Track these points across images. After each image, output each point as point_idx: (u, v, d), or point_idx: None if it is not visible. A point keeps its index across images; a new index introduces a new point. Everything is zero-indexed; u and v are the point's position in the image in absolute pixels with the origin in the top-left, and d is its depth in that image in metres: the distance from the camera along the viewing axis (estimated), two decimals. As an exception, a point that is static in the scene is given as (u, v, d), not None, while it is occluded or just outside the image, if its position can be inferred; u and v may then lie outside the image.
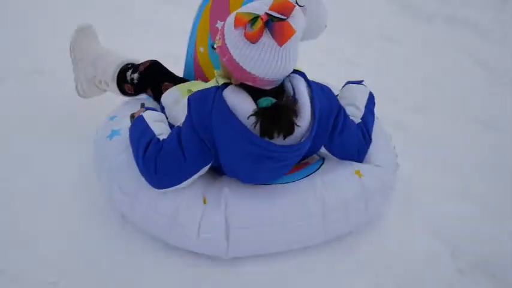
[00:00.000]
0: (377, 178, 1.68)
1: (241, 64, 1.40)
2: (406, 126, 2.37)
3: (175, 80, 1.88)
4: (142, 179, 1.54)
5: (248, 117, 1.40)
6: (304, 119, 1.45)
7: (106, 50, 2.03)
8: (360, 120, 1.71)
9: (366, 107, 1.75)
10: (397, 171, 1.81)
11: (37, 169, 1.95)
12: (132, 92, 1.96)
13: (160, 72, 1.91)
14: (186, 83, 1.82)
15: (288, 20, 1.36)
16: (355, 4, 3.43)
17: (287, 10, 1.36)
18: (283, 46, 1.36)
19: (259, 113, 1.39)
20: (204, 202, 1.56)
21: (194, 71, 1.95)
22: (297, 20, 1.39)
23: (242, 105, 1.41)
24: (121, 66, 1.95)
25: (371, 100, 1.79)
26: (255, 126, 1.40)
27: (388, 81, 2.68)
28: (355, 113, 1.73)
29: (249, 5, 1.44)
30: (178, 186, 1.54)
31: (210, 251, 1.60)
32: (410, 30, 3.31)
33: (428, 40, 3.17)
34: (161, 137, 1.57)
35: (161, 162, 1.51)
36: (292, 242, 1.62)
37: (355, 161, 1.69)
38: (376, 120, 1.81)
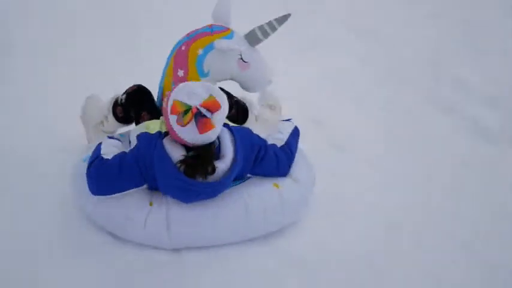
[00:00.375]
0: (293, 190, 2.12)
1: (175, 131, 1.86)
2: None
3: (153, 110, 2.28)
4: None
5: (175, 163, 1.85)
6: (226, 162, 1.90)
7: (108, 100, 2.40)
8: (284, 143, 2.17)
9: (290, 134, 2.22)
10: (314, 185, 2.25)
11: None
12: (122, 115, 2.31)
13: (142, 100, 2.28)
14: (148, 122, 2.20)
15: (211, 117, 1.82)
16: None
17: (213, 109, 1.82)
18: (204, 132, 1.83)
19: (182, 161, 1.85)
20: (151, 204, 1.98)
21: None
22: (219, 116, 1.85)
23: (174, 152, 1.87)
24: (115, 98, 2.34)
25: (295, 131, 2.26)
26: (182, 169, 1.85)
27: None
28: (281, 137, 2.19)
29: (191, 85, 1.88)
30: (109, 196, 1.95)
31: (155, 243, 2.00)
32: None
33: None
34: (105, 156, 1.97)
35: (100, 174, 1.93)
36: (222, 238, 2.04)
37: (278, 177, 2.13)
38: (301, 150, 2.26)
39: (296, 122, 2.36)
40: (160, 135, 1.92)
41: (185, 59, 2.27)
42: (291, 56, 3.50)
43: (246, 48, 2.29)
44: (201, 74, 2.29)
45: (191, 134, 1.84)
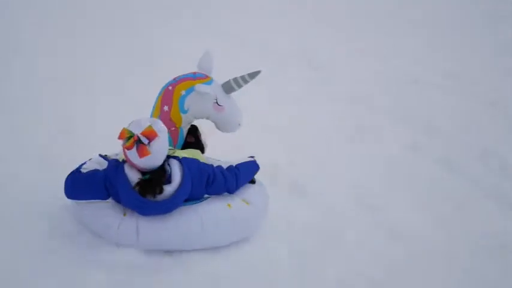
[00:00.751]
0: (244, 210, 2.61)
1: (130, 160, 2.35)
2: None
3: None
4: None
5: (133, 185, 2.34)
6: (173, 186, 2.37)
7: None
8: (234, 166, 2.66)
9: (243, 162, 2.72)
10: (267, 207, 2.73)
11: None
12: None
13: None
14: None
15: (147, 144, 2.26)
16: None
17: (151, 138, 2.27)
18: (142, 158, 2.28)
19: (137, 183, 2.33)
20: (124, 215, 2.50)
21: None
22: (156, 144, 2.29)
23: (132, 175, 2.36)
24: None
25: (251, 162, 2.74)
26: (136, 189, 2.34)
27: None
28: (230, 162, 2.71)
29: (140, 119, 2.34)
30: (77, 201, 2.51)
31: (127, 243, 2.49)
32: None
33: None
34: (83, 170, 2.48)
35: (72, 183, 2.45)
36: (182, 244, 2.52)
37: (227, 193, 2.62)
38: (261, 182, 2.78)
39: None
40: (123, 162, 2.42)
41: (170, 97, 2.77)
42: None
43: (221, 94, 2.79)
44: (182, 111, 2.79)
45: (135, 159, 2.31)
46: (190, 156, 2.54)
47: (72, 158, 2.85)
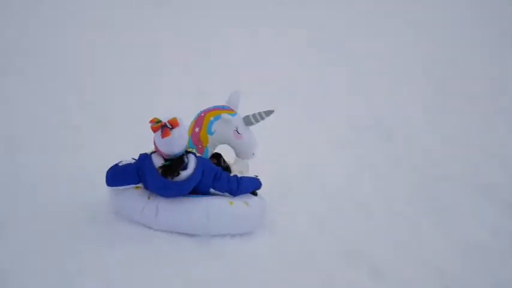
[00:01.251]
0: (243, 209, 3.22)
1: (156, 145, 3.04)
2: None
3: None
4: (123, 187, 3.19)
5: (157, 168, 3.05)
6: (188, 172, 3.06)
7: None
8: (238, 176, 3.33)
9: (249, 176, 3.38)
10: (264, 213, 3.35)
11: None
12: None
13: None
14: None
15: (171, 129, 2.96)
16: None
17: (174, 125, 2.98)
18: (163, 139, 2.97)
19: (160, 167, 3.03)
20: (149, 198, 3.17)
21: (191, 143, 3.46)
22: (177, 131, 2.98)
23: (156, 162, 3.07)
24: None
25: (254, 179, 3.39)
26: (160, 171, 3.04)
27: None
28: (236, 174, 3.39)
29: (169, 116, 3.05)
30: (115, 187, 3.17)
31: (148, 224, 3.16)
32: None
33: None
34: (119, 164, 3.15)
35: (111, 173, 3.14)
36: (189, 229, 3.15)
37: (230, 195, 3.24)
38: (262, 197, 3.40)
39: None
40: (151, 153, 3.14)
41: (201, 121, 3.48)
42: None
43: (241, 125, 3.47)
44: (209, 133, 3.48)
45: (158, 140, 3.01)
46: None
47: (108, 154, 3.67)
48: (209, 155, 3.51)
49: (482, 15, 8.59)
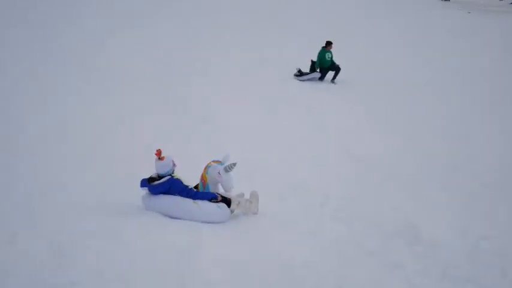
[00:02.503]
0: (222, 208, 5.90)
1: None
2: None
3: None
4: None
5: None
6: (157, 182, 5.74)
7: None
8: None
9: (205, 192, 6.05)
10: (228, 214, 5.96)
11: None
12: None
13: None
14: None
15: (158, 159, 5.71)
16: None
17: (162, 159, 5.71)
18: (157, 162, 5.74)
19: (149, 177, 5.89)
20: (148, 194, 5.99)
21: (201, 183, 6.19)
22: (160, 162, 5.70)
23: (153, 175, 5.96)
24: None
25: (209, 194, 6.03)
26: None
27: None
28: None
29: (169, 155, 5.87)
30: (142, 188, 5.92)
31: (146, 209, 5.92)
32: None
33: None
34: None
35: (141, 181, 5.90)
36: (183, 216, 5.74)
37: (192, 199, 5.90)
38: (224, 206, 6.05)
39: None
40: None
41: (205, 168, 6.07)
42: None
43: (222, 171, 5.86)
44: (207, 173, 6.03)
45: (157, 161, 5.73)
46: (185, 182, 5.88)
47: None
48: (210, 189, 6.01)
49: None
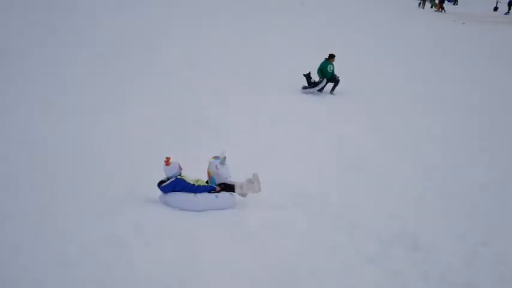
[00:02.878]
0: (225, 198, 6.71)
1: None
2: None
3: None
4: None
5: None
6: (165, 184, 6.57)
7: None
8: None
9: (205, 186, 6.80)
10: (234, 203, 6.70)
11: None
12: None
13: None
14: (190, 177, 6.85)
15: (166, 165, 6.53)
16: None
17: (167, 164, 6.52)
18: (165, 166, 6.54)
19: (160, 181, 6.66)
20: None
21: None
22: (167, 167, 6.51)
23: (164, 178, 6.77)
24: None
25: (209, 186, 6.78)
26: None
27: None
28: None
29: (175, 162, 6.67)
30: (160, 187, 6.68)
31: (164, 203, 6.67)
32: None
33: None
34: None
35: (158, 183, 6.67)
36: (203, 208, 6.54)
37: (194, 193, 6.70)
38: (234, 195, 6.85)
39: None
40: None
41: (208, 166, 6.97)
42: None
43: (219, 165, 6.71)
44: (209, 168, 6.85)
45: (164, 166, 6.53)
46: (188, 180, 6.59)
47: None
48: (215, 181, 6.76)
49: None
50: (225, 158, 6.59)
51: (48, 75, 11.82)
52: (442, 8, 35.51)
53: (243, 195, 6.71)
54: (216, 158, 6.73)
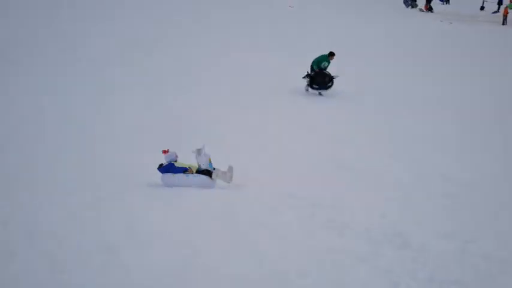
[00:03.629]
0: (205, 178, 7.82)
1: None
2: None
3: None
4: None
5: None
6: (162, 167, 7.89)
7: None
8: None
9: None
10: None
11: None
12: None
13: None
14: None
15: (164, 153, 7.74)
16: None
17: (164, 153, 7.73)
18: (163, 153, 7.73)
19: (160, 164, 7.96)
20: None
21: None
22: (166, 155, 7.69)
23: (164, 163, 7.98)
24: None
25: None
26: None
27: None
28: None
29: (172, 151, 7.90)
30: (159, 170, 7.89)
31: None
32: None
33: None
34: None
35: (159, 166, 7.88)
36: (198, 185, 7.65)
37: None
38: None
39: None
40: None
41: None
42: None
43: (197, 154, 7.67)
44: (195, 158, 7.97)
45: (163, 154, 7.75)
46: (180, 165, 7.72)
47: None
48: (201, 167, 7.72)
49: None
50: (198, 150, 7.61)
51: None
52: (430, 8, 35.76)
53: (226, 180, 7.68)
54: (198, 150, 7.81)
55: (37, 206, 6.47)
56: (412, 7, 37.11)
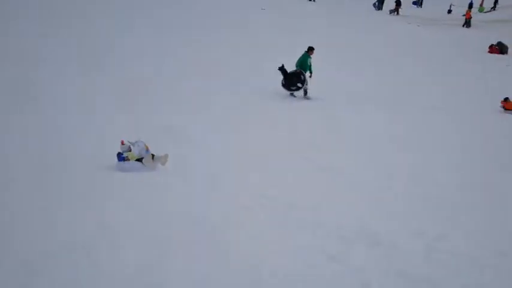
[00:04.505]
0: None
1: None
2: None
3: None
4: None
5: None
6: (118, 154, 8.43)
7: None
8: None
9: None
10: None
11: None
12: None
13: None
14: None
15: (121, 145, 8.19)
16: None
17: (122, 143, 8.23)
18: (120, 146, 8.20)
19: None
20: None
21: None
22: (121, 146, 8.16)
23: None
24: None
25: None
26: None
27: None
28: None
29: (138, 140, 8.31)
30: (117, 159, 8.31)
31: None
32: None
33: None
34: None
35: (118, 154, 8.29)
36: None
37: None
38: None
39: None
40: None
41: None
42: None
43: (132, 145, 8.18)
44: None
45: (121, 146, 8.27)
46: (126, 155, 8.13)
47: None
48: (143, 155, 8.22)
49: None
50: (132, 142, 8.22)
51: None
52: (397, 11, 36.26)
53: (162, 162, 8.23)
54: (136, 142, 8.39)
55: (3, 202, 6.35)
56: (379, 9, 37.73)
